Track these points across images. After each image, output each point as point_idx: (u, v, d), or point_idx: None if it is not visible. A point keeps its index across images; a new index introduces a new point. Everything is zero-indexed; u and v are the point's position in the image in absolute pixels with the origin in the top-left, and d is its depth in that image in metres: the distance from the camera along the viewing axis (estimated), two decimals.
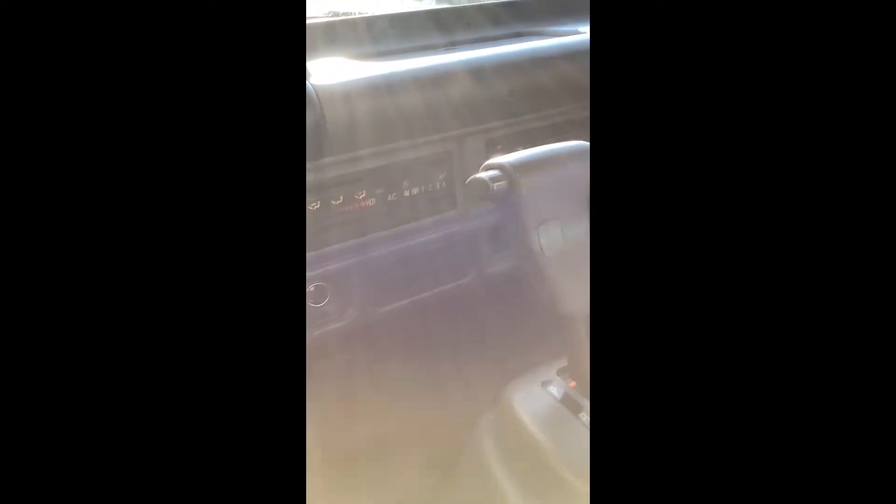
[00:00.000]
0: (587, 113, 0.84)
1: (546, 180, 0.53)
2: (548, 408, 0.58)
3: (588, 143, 0.57)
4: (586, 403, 0.58)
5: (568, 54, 0.79)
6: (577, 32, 0.86)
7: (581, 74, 0.79)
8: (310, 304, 0.70)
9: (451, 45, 0.90)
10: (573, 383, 0.61)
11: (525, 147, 0.80)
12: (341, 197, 0.70)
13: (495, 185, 0.52)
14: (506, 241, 0.78)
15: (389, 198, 0.74)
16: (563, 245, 0.54)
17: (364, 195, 0.71)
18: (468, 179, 0.54)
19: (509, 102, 0.76)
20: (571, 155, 0.55)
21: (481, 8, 0.97)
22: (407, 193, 0.75)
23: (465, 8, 0.95)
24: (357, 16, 0.91)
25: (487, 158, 0.78)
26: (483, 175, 0.52)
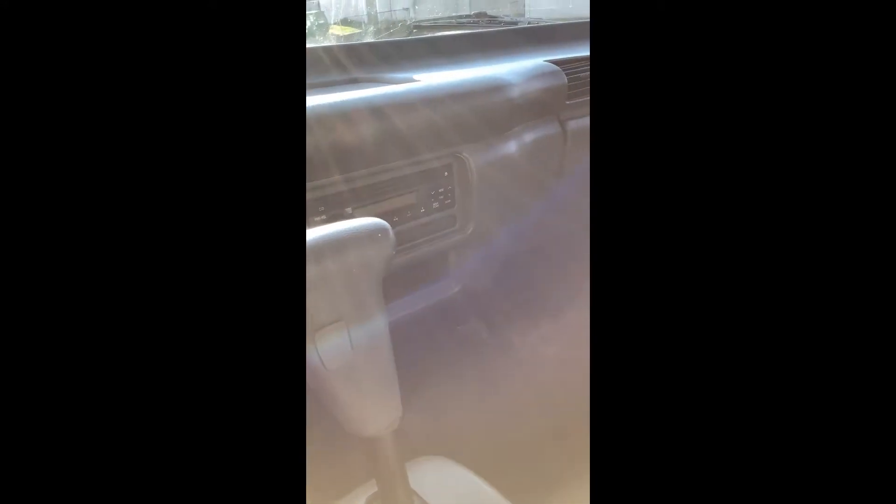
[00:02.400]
0: (419, 168, 0.74)
1: (323, 273, 0.41)
2: None
3: (384, 223, 0.46)
4: None
5: (402, 104, 0.69)
6: (412, 80, 0.77)
7: (414, 126, 0.69)
8: None
9: None
10: None
11: (344, 211, 0.69)
12: None
13: None
14: None
15: None
16: (350, 354, 0.43)
17: None
18: None
19: (333, 157, 0.65)
20: (357, 237, 0.44)
21: (323, 50, 0.86)
22: None
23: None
24: None
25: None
26: None
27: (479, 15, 1.12)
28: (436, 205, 0.78)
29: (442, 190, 0.78)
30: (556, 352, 1.34)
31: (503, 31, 1.04)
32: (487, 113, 0.77)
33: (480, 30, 1.05)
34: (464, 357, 1.26)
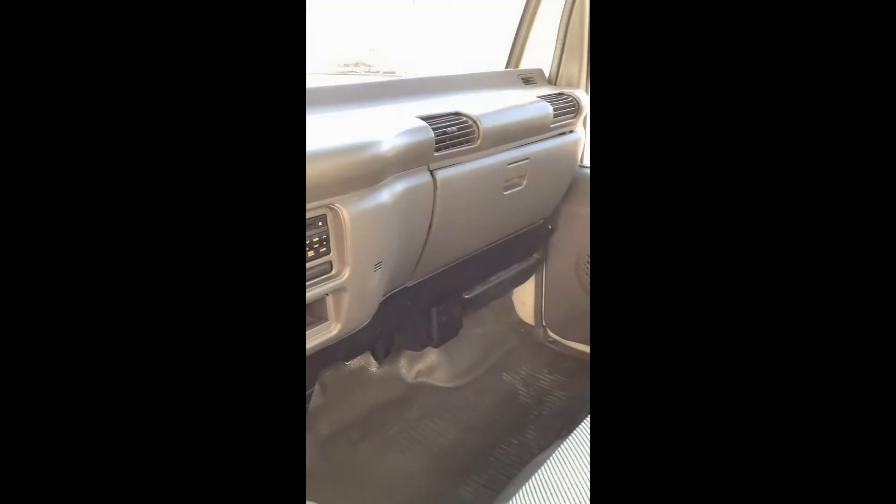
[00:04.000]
0: None
1: None
2: None
3: None
4: None
5: None
6: None
7: None
8: None
9: None
10: None
11: None
12: None
13: None
14: None
15: None
16: None
17: None
18: None
19: None
20: None
21: None
22: None
23: None
24: None
25: None
26: None
27: (357, 64, 1.18)
28: (311, 253, 0.82)
29: (317, 239, 0.82)
30: (443, 380, 1.40)
31: (380, 82, 1.10)
32: (359, 167, 0.82)
33: (358, 80, 1.10)
34: (353, 390, 1.30)
